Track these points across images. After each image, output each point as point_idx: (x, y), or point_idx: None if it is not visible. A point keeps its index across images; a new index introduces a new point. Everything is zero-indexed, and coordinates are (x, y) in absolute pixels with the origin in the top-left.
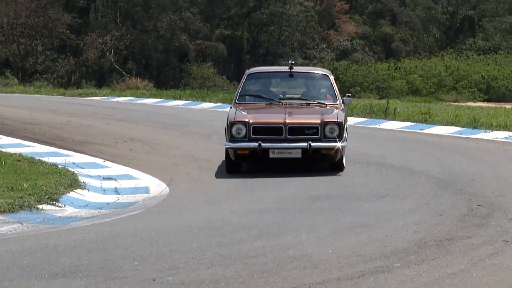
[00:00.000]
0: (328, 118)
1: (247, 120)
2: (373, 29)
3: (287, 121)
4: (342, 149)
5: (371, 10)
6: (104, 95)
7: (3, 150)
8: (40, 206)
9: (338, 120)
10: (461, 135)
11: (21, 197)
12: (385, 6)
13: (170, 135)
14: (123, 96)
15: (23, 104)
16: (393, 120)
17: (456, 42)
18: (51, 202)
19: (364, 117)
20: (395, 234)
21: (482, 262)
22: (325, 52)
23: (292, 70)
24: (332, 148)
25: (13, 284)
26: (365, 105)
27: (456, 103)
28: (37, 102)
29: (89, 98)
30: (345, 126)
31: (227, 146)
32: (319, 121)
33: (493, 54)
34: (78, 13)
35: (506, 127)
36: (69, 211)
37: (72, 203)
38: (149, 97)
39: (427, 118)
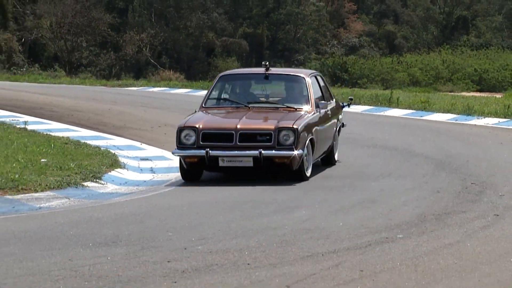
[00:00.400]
0: (284, 124)
1: (196, 125)
2: (378, 28)
3: (238, 126)
4: (299, 157)
5: (376, 11)
6: (141, 86)
7: (53, 134)
8: (85, 183)
9: (294, 126)
10: (456, 121)
11: (68, 175)
12: (388, 7)
13: None
14: (158, 86)
15: (70, 94)
16: (396, 108)
17: (451, 39)
18: (94, 180)
19: (371, 105)
20: (398, 209)
21: (475, 233)
22: (335, 48)
23: (267, 72)
24: (286, 157)
25: (61, 251)
26: (371, 95)
27: (452, 93)
28: (82, 92)
29: (127, 88)
30: (304, 133)
31: (175, 154)
32: (273, 127)
33: (484, 49)
34: (118, 13)
35: (496, 114)
36: (110, 188)
37: (113, 180)
38: (180, 88)
39: (426, 106)
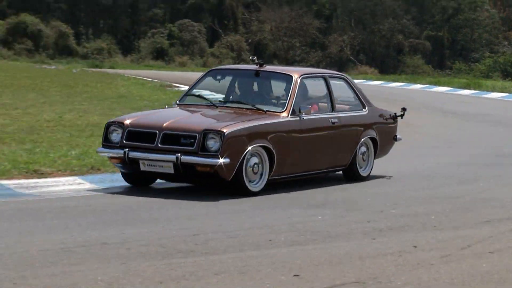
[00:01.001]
0: (213, 126)
1: (124, 122)
2: None
3: (164, 126)
4: (229, 168)
5: None
6: None
7: None
8: None
9: (222, 130)
10: None
11: None
12: None
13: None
14: (356, 79)
15: None
16: None
17: None
18: None
19: None
20: None
21: None
22: (506, 48)
23: (259, 69)
24: (210, 165)
25: (282, 210)
26: None
27: None
28: None
29: None
30: (241, 139)
31: (98, 153)
32: (199, 129)
33: None
34: (324, 19)
35: None
36: None
37: None
38: (375, 80)
39: None
